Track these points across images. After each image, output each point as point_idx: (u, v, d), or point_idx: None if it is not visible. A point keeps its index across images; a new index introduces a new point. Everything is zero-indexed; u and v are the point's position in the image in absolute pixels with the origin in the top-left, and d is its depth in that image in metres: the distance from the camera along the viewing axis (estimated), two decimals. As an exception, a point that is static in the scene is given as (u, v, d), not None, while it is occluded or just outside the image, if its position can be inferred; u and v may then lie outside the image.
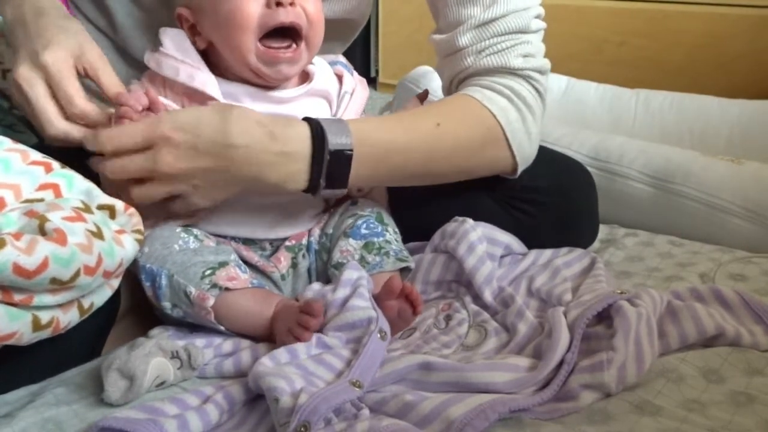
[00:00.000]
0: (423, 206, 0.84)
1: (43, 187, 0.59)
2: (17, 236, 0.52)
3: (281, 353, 0.61)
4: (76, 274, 0.53)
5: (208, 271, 0.68)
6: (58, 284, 0.53)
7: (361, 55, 2.47)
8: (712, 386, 0.56)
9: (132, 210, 0.63)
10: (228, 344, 0.68)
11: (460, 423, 0.51)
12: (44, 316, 0.54)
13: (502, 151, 0.77)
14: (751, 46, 1.65)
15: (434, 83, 1.21)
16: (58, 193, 0.59)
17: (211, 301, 0.66)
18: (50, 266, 0.51)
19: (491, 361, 0.60)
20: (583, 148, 1.01)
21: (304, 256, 0.77)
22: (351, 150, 0.68)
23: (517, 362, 0.58)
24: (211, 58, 0.75)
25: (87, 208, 0.58)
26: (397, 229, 0.79)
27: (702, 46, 1.71)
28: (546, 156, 0.86)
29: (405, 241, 0.80)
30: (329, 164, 0.68)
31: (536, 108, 0.79)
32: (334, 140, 0.68)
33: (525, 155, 0.79)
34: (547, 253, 0.81)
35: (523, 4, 0.79)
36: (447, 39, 0.80)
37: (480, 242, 0.75)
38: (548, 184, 0.82)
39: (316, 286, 0.71)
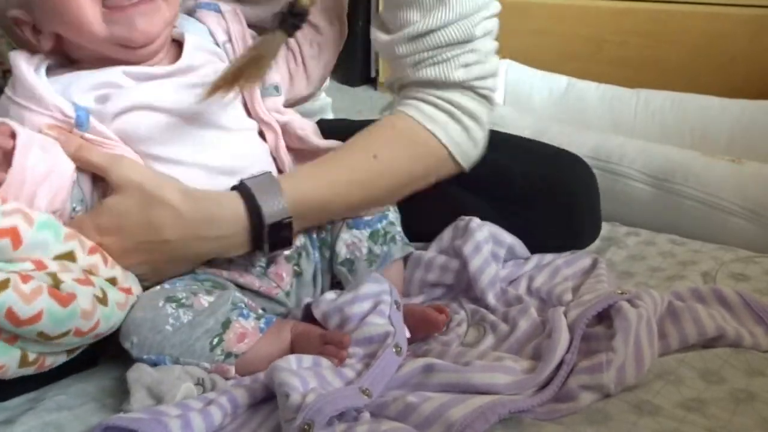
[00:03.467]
0: (420, 211, 0.83)
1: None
2: (26, 279, 0.51)
3: (307, 358, 0.61)
4: (65, 334, 0.53)
5: (216, 340, 0.63)
6: (43, 338, 0.53)
7: (361, 55, 2.47)
8: (712, 387, 0.56)
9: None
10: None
11: (461, 425, 0.51)
12: (32, 354, 0.55)
13: (447, 166, 0.76)
14: (752, 46, 1.65)
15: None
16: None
17: (232, 371, 0.64)
18: (42, 320, 0.51)
19: (491, 363, 0.59)
20: (583, 148, 1.01)
21: (307, 258, 0.73)
22: (289, 218, 0.66)
23: (515, 365, 0.58)
24: (68, 55, 0.69)
25: (93, 272, 0.59)
26: (395, 207, 0.77)
27: (703, 45, 1.71)
28: (545, 153, 0.86)
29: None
30: (269, 234, 0.66)
31: (482, 114, 0.76)
32: (270, 211, 0.65)
33: (471, 161, 0.77)
34: (549, 257, 0.80)
35: (469, 9, 0.73)
36: (386, 44, 0.75)
37: (486, 242, 0.75)
38: (548, 187, 0.81)
39: (330, 295, 0.69)
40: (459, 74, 0.73)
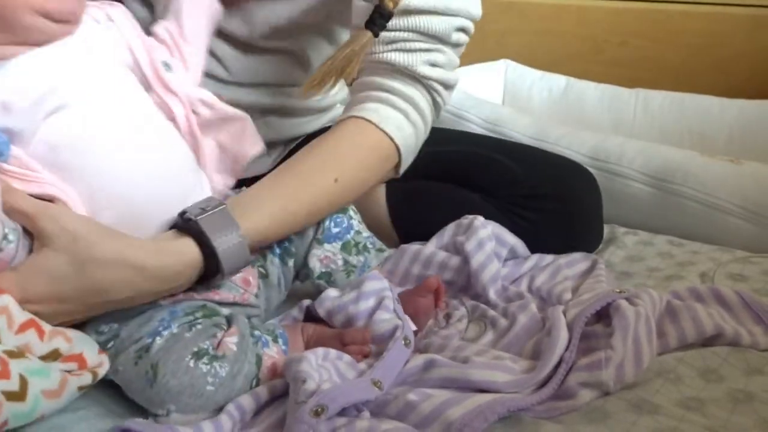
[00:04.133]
0: (423, 213, 0.84)
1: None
2: None
3: (322, 351, 0.61)
4: None
5: (254, 382, 0.61)
6: None
7: (360, 55, 2.45)
8: (710, 385, 0.56)
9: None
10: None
11: (459, 424, 0.51)
12: None
13: (393, 165, 0.77)
14: (751, 46, 1.65)
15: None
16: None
17: None
18: None
19: (490, 361, 0.60)
20: (582, 148, 1.01)
21: (272, 261, 0.71)
22: (246, 250, 0.62)
23: (515, 365, 0.58)
24: None
25: (21, 353, 0.51)
26: (353, 207, 0.76)
27: (702, 46, 1.71)
28: (549, 161, 0.86)
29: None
30: (226, 266, 0.61)
31: (429, 119, 0.78)
32: (227, 256, 0.60)
33: (408, 163, 0.78)
34: (549, 258, 0.80)
35: (455, 8, 0.74)
36: (365, 10, 0.74)
37: (489, 240, 0.75)
38: (552, 191, 0.81)
39: (332, 293, 0.69)
40: (425, 70, 0.75)
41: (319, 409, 0.51)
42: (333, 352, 0.62)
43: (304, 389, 0.54)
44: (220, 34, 0.80)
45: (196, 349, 0.58)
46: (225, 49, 0.84)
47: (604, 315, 0.63)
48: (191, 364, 0.57)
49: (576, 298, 0.69)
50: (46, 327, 0.54)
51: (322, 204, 0.70)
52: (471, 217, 0.77)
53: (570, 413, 0.54)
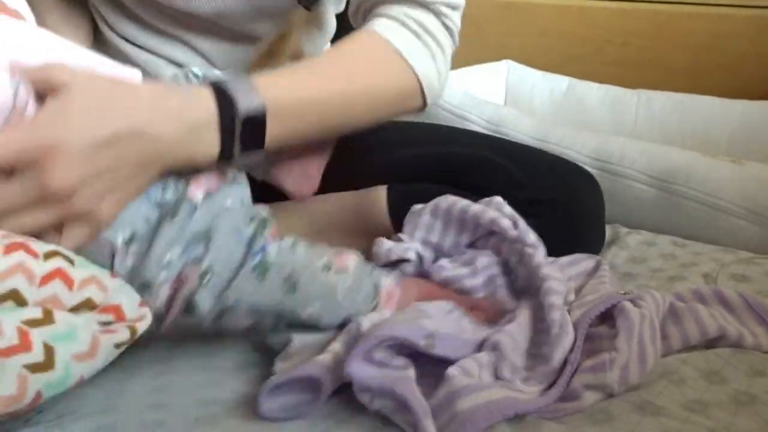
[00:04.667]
0: None
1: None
2: None
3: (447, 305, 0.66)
4: None
5: (372, 304, 0.65)
6: None
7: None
8: (714, 387, 0.56)
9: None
10: None
11: (462, 418, 0.51)
12: None
13: (414, 92, 0.75)
14: (754, 47, 1.65)
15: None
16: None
17: None
18: None
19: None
20: (584, 149, 1.01)
21: None
22: (264, 113, 0.61)
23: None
24: None
25: (45, 318, 0.48)
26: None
27: (704, 46, 1.71)
28: (550, 163, 0.86)
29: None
30: (242, 133, 0.60)
31: (446, 45, 0.77)
32: (245, 102, 0.60)
33: (434, 94, 0.77)
34: (551, 258, 0.80)
35: None
36: None
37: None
38: (553, 195, 0.81)
39: (446, 264, 0.72)
40: None
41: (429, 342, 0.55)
42: (459, 310, 0.64)
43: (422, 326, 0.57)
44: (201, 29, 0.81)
45: (319, 263, 0.63)
46: (208, 45, 0.85)
47: (607, 316, 0.63)
48: (322, 274, 0.62)
49: (579, 299, 0.69)
50: (76, 276, 0.51)
51: (335, 100, 0.69)
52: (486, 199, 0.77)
53: (574, 414, 0.54)
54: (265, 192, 0.91)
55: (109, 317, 0.51)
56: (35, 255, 0.49)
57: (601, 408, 0.54)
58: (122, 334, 0.51)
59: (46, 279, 0.49)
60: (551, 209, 0.80)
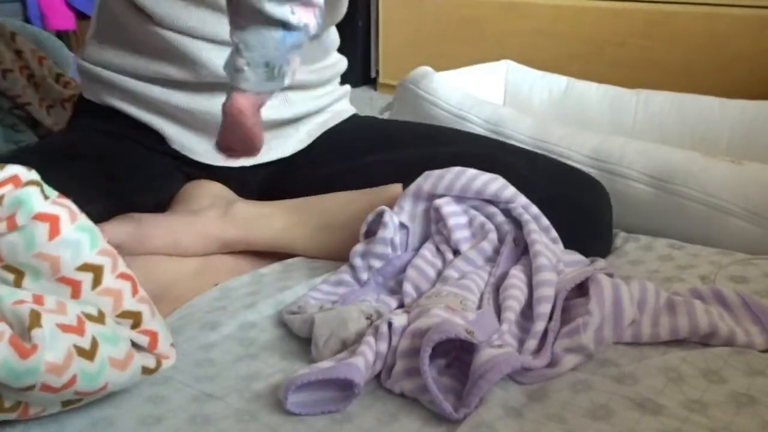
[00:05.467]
0: None
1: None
2: None
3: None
4: (29, 388, 0.48)
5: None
6: (6, 389, 0.48)
7: (361, 56, 2.47)
8: (713, 386, 0.56)
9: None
10: None
11: (476, 375, 0.54)
12: (7, 401, 0.50)
13: None
14: (752, 47, 1.65)
15: (434, 84, 1.21)
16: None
17: None
18: None
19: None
20: (583, 149, 1.01)
21: None
22: None
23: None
24: None
25: (99, 318, 0.54)
26: None
27: (702, 46, 1.71)
28: (556, 170, 0.86)
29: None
30: None
31: None
32: None
33: None
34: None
35: None
36: None
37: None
38: (568, 199, 0.81)
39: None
40: None
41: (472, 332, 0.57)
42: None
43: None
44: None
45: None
46: None
47: (587, 290, 0.66)
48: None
49: (562, 277, 0.70)
50: (142, 291, 0.58)
51: None
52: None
53: (573, 409, 0.54)
54: (264, 192, 0.91)
55: (145, 340, 0.57)
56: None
57: (601, 404, 0.54)
58: (151, 361, 0.57)
59: (124, 276, 0.56)
60: (565, 211, 0.80)
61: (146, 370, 0.56)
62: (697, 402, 0.55)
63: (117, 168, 0.86)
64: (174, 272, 0.76)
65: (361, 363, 0.57)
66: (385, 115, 1.32)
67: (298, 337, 0.67)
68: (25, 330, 0.48)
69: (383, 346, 0.59)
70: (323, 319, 0.63)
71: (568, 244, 0.78)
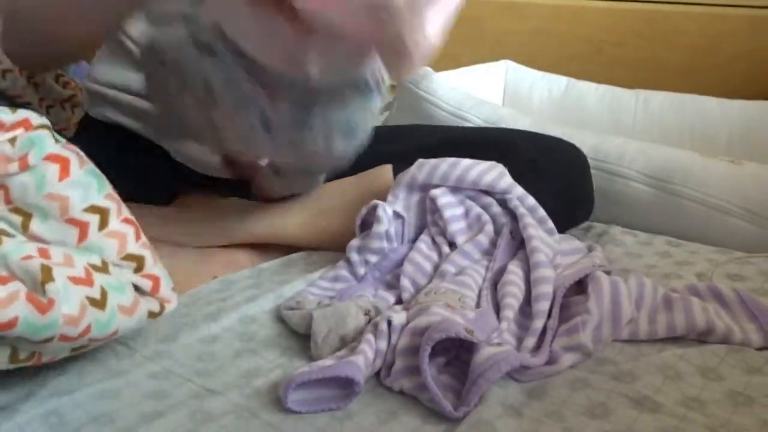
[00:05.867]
0: None
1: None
2: (4, 280, 0.48)
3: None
4: (48, 340, 0.50)
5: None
6: (25, 342, 0.50)
7: (361, 55, 2.45)
8: (710, 384, 0.57)
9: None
10: None
11: (475, 374, 0.54)
12: (23, 353, 0.51)
13: None
14: (751, 47, 1.65)
15: (434, 84, 1.21)
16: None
17: None
18: (18, 327, 0.47)
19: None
20: (582, 149, 1.01)
21: None
22: None
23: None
24: None
25: (104, 267, 0.55)
26: None
27: (701, 46, 1.71)
28: (536, 139, 0.90)
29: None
30: None
31: None
32: None
33: None
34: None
35: None
36: None
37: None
38: (551, 156, 0.85)
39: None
40: None
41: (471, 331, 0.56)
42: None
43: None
44: None
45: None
46: None
47: (585, 287, 0.66)
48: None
49: (560, 273, 0.71)
50: (144, 237, 0.59)
51: None
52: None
53: (571, 407, 0.54)
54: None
55: (148, 284, 0.58)
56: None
57: (599, 402, 0.55)
58: (154, 305, 0.59)
59: (128, 221, 0.58)
60: (549, 165, 0.84)
61: (152, 314, 0.58)
62: (694, 399, 0.55)
63: (120, 173, 0.87)
64: (172, 259, 0.76)
65: (362, 361, 0.57)
66: (385, 115, 1.32)
67: (298, 332, 0.67)
68: (38, 285, 0.49)
69: (383, 344, 0.59)
70: (321, 316, 0.64)
71: (558, 197, 0.81)
